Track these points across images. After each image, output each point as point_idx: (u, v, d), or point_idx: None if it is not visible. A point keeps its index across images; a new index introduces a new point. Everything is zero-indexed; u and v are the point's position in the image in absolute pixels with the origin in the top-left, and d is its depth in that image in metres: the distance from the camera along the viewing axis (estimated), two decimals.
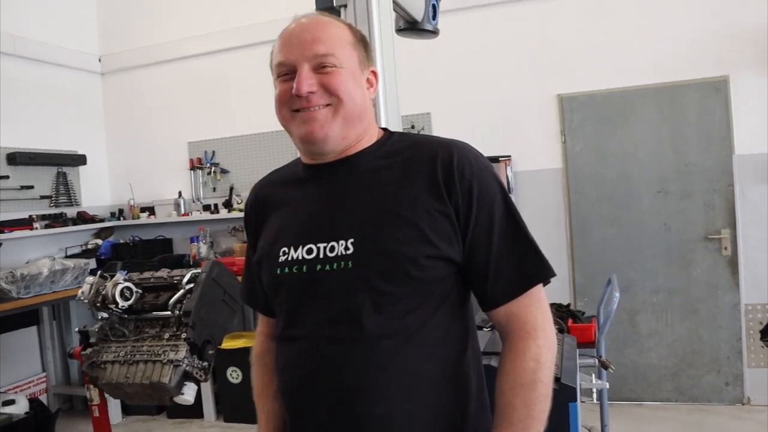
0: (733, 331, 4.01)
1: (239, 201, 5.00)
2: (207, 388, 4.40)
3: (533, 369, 1.11)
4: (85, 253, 5.07)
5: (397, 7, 2.05)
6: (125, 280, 2.88)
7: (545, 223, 4.30)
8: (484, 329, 2.03)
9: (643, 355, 4.21)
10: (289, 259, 1.16)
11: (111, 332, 2.88)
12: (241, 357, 4.18)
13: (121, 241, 5.32)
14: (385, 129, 1.28)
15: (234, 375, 4.34)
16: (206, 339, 2.81)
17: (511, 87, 4.41)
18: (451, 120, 4.50)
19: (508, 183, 4.31)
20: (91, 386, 3.11)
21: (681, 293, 4.12)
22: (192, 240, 5.11)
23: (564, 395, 1.65)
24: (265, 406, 1.34)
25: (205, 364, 2.81)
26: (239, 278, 1.67)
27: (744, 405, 3.99)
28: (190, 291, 2.87)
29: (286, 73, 1.15)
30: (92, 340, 2.90)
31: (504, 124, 4.43)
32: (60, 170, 5.05)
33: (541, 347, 1.13)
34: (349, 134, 1.17)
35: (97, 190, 5.46)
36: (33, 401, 4.26)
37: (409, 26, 2.25)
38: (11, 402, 3.94)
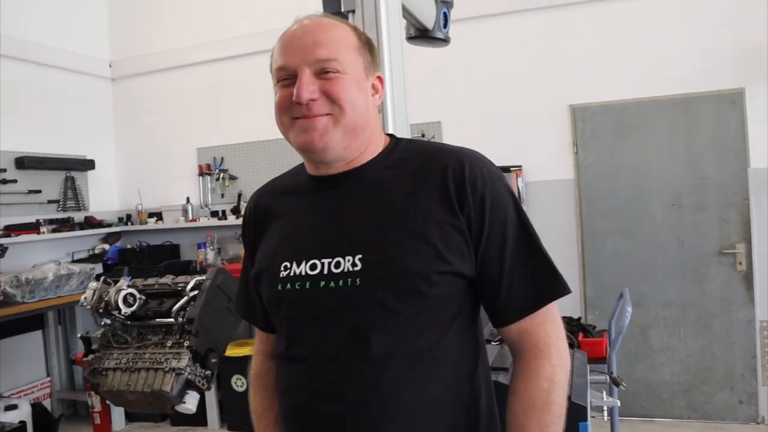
0: (747, 348, 3.92)
1: None
2: (211, 395, 4.37)
3: (547, 390, 1.06)
4: (92, 258, 5.06)
5: (408, 15, 2.02)
6: (129, 286, 2.85)
7: (556, 234, 4.23)
8: (492, 343, 1.97)
9: (655, 370, 4.13)
10: (291, 274, 1.10)
11: (113, 339, 2.84)
12: (246, 365, 4.08)
13: (129, 247, 5.31)
14: (391, 135, 1.23)
15: (239, 383, 4.30)
16: (209, 347, 2.77)
17: (523, 96, 4.37)
18: (462, 129, 4.45)
19: (519, 194, 4.26)
20: (93, 393, 3.08)
21: (694, 308, 4.04)
22: (199, 246, 5.09)
23: (574, 414, 1.59)
24: (266, 431, 1.27)
25: (208, 372, 2.77)
26: None
27: (759, 424, 3.89)
28: (194, 298, 2.83)
29: (286, 78, 1.09)
30: (94, 346, 2.87)
31: (515, 134, 4.38)
32: (68, 175, 5.05)
33: (555, 367, 1.08)
34: (352, 144, 1.11)
35: (105, 195, 5.46)
36: (36, 406, 4.25)
37: (420, 34, 2.23)
38: (14, 407, 3.92)
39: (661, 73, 4.03)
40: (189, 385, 2.71)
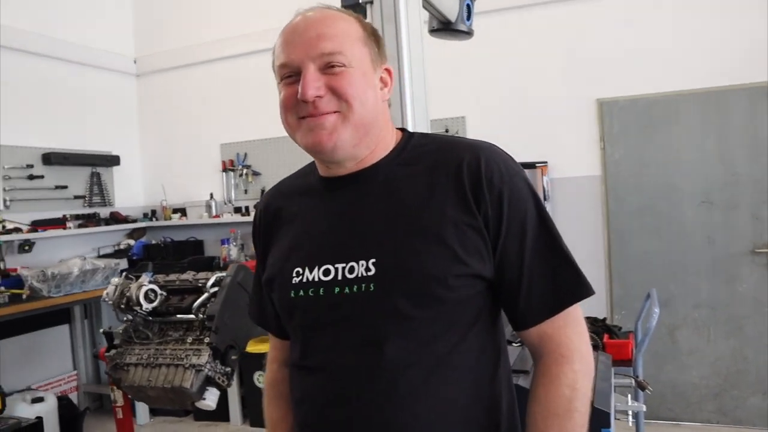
0: None
1: None
2: (234, 391, 4.38)
3: (569, 397, 1.01)
4: (117, 254, 5.11)
5: (430, 7, 1.97)
6: (150, 282, 2.86)
7: (582, 232, 4.15)
8: (513, 344, 1.92)
9: (683, 372, 4.02)
10: (304, 280, 1.06)
11: (135, 334, 2.86)
12: None
13: (153, 242, 5.35)
14: (403, 129, 1.17)
15: (261, 379, 4.30)
16: (229, 344, 2.76)
17: (548, 91, 4.28)
18: (487, 124, 4.39)
19: (544, 191, 4.18)
20: (115, 388, 3.10)
21: (725, 309, 3.92)
22: (223, 242, 5.11)
23: (596, 420, 1.53)
24: None
25: (228, 369, 2.77)
26: None
27: None
28: (214, 295, 2.83)
29: (289, 75, 1.04)
30: (116, 341, 2.89)
31: (541, 130, 4.30)
32: (94, 170, 5.10)
33: (578, 372, 1.03)
34: (362, 141, 1.06)
35: (130, 191, 5.51)
36: (62, 399, 4.31)
37: (443, 27, 2.17)
38: (40, 399, 3.98)
39: (691, 66, 3.91)
40: (209, 381, 2.71)
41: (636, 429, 2.75)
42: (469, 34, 2.22)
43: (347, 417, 1.02)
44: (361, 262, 1.02)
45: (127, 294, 2.81)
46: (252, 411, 4.43)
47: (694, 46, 3.90)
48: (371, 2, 1.61)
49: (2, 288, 3.94)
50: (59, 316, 4.68)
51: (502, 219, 1.02)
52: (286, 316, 1.13)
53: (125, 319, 2.90)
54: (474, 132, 4.47)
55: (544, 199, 4.13)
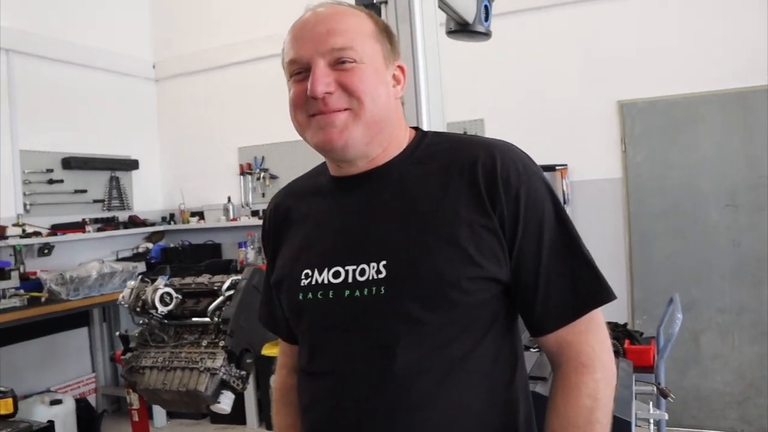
0: None
1: None
2: (250, 395, 4.37)
3: (589, 408, 0.97)
4: (136, 257, 5.14)
5: (448, 9, 1.94)
6: (166, 285, 2.85)
7: (602, 235, 4.08)
8: (531, 350, 1.87)
9: (707, 378, 3.93)
10: (313, 283, 1.03)
11: (150, 337, 2.86)
12: None
13: (171, 245, 5.38)
14: (416, 128, 1.14)
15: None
16: (245, 348, 2.75)
17: (568, 92, 4.22)
18: (505, 127, 4.34)
19: (564, 194, 4.13)
20: (131, 391, 3.10)
21: (750, 314, 3.83)
22: (240, 245, 5.12)
23: (617, 429, 1.48)
24: None
25: (243, 373, 2.75)
26: None
27: None
28: (230, 298, 2.82)
29: (299, 71, 1.01)
30: (132, 344, 2.89)
31: (561, 132, 4.25)
32: (113, 174, 5.15)
33: (599, 382, 0.99)
34: (374, 139, 1.02)
35: (148, 195, 5.55)
36: (81, 401, 4.33)
37: (461, 28, 2.14)
38: (59, 402, 4.00)
39: (716, 66, 3.83)
40: (224, 385, 2.70)
41: None
42: (487, 35, 2.19)
43: (356, 422, 0.99)
44: (372, 264, 0.99)
45: (143, 297, 2.81)
46: (268, 414, 4.42)
47: (717, 47, 3.82)
48: (386, 2, 1.58)
49: (21, 291, 3.97)
50: (78, 318, 4.71)
51: (519, 219, 0.98)
52: (295, 319, 1.10)
53: (141, 322, 2.90)
54: (492, 134, 4.41)
55: (564, 202, 4.07)
